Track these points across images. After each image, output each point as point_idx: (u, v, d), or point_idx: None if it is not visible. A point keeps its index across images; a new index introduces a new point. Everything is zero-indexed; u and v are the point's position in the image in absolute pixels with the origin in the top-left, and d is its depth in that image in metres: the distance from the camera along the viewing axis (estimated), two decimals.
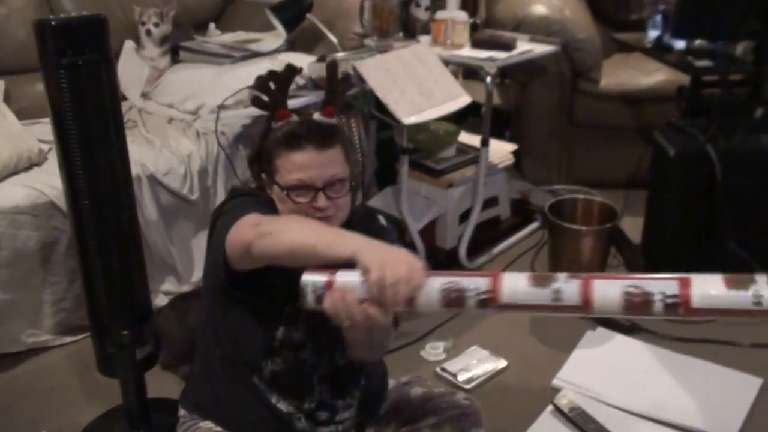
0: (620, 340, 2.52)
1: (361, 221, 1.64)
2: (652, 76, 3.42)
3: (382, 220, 1.74)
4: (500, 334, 2.56)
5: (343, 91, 1.68)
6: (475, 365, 2.39)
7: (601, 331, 2.56)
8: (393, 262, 1.22)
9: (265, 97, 1.60)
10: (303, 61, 2.88)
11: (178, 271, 2.72)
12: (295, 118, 1.56)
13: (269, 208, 1.53)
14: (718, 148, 2.53)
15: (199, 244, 2.75)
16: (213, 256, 1.53)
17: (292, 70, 1.64)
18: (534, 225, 3.26)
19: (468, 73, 4.18)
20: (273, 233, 1.34)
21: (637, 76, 3.45)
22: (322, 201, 1.48)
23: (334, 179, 1.49)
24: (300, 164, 1.48)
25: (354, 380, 1.62)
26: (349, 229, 1.54)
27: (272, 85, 1.59)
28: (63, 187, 1.87)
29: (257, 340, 1.56)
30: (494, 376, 2.36)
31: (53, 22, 1.73)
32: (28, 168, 2.49)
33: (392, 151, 3.00)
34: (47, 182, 2.41)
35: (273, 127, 1.57)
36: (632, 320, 2.58)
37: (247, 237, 1.37)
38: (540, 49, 2.96)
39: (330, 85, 1.63)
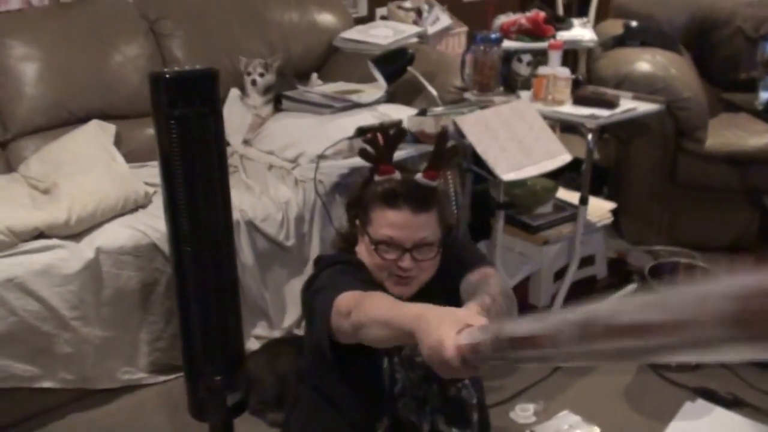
0: (721, 414, 2.39)
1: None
2: (760, 137, 3.29)
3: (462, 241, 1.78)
4: (593, 399, 2.48)
5: (450, 158, 1.69)
6: (567, 431, 2.31)
7: (700, 403, 2.44)
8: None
9: (371, 150, 1.63)
10: (402, 113, 2.92)
11: (270, 316, 2.75)
12: (397, 175, 1.60)
13: (357, 273, 1.54)
14: None
15: (292, 290, 2.78)
16: (316, 337, 1.50)
17: (402, 131, 1.68)
18: (632, 287, 3.17)
19: (566, 126, 4.14)
20: (363, 325, 1.33)
21: (744, 137, 3.33)
22: (407, 262, 1.52)
23: (423, 242, 1.53)
24: (393, 222, 1.53)
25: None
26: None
27: (380, 140, 1.63)
28: (167, 232, 1.93)
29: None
30: None
31: (167, 75, 1.80)
32: (134, 210, 2.58)
33: (487, 204, 2.98)
34: (151, 224, 2.48)
35: (375, 180, 1.61)
36: (735, 393, 2.46)
37: (345, 329, 1.37)
38: (644, 107, 2.89)
39: (437, 150, 1.65)
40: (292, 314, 2.77)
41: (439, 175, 1.63)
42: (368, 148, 1.65)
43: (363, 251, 1.60)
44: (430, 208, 1.55)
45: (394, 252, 1.53)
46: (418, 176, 1.59)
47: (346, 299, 1.42)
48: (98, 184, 2.51)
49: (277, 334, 2.74)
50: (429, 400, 1.62)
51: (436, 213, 1.57)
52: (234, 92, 3.26)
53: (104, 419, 2.41)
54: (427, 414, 1.61)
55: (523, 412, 2.41)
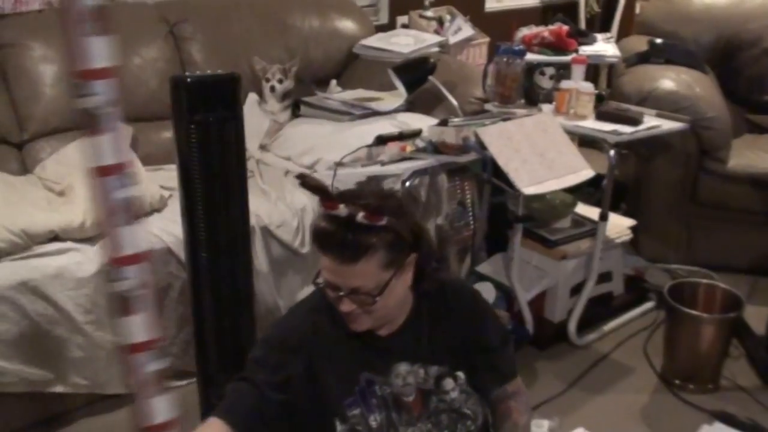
0: None
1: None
2: None
3: (480, 296, 1.74)
4: (609, 417, 2.44)
5: (400, 212, 1.50)
6: None
7: (718, 426, 2.40)
8: None
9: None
10: (422, 122, 2.89)
11: None
12: (342, 209, 1.41)
13: (270, 353, 1.57)
14: None
15: None
16: None
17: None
18: (648, 305, 3.12)
19: (584, 141, 4.10)
20: None
21: None
22: (345, 306, 1.46)
23: (357, 291, 1.44)
24: (325, 266, 1.45)
25: None
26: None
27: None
28: (183, 238, 1.91)
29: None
30: None
31: (189, 79, 1.78)
32: (149, 213, 2.55)
33: (504, 217, 2.94)
34: (166, 229, 2.45)
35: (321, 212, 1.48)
36: (754, 419, 2.41)
37: None
38: (668, 125, 2.86)
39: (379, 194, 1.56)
40: None
41: (384, 216, 1.41)
42: (314, 180, 1.49)
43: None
44: (358, 259, 1.39)
45: (334, 293, 1.46)
46: (360, 215, 1.39)
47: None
48: None
49: None
50: None
51: (374, 259, 1.40)
52: (252, 97, 3.24)
53: (116, 424, 2.38)
54: None
55: (538, 429, 2.36)
